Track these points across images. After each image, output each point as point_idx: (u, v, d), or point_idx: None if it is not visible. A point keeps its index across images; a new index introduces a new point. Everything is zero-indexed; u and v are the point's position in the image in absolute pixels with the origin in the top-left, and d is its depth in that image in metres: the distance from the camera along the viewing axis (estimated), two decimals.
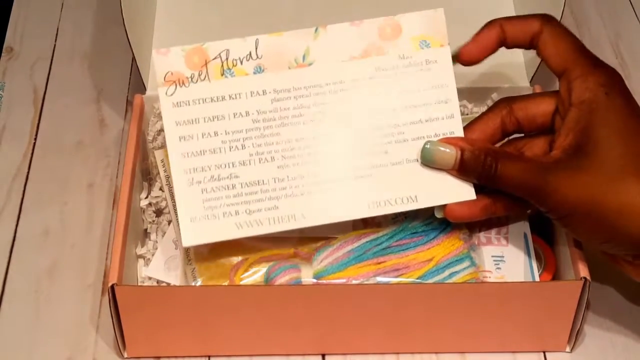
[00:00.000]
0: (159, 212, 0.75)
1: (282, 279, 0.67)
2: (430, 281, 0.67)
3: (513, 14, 0.86)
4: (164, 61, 0.67)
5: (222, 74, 0.67)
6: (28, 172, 0.82)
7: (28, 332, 0.71)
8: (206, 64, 0.67)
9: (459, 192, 0.66)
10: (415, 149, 0.67)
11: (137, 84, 0.83)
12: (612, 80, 0.64)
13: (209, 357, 0.70)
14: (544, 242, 0.73)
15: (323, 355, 0.70)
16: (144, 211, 0.75)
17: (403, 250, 0.69)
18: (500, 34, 0.66)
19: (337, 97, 0.67)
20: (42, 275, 0.75)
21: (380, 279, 0.67)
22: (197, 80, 0.67)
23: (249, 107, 0.67)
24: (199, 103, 0.67)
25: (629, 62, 0.92)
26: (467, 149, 0.65)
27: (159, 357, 0.70)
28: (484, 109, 0.81)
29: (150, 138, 0.78)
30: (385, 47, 0.68)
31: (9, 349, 0.71)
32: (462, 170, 0.65)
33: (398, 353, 0.70)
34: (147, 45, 0.83)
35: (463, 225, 0.70)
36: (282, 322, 0.67)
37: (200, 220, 0.65)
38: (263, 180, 0.66)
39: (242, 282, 0.68)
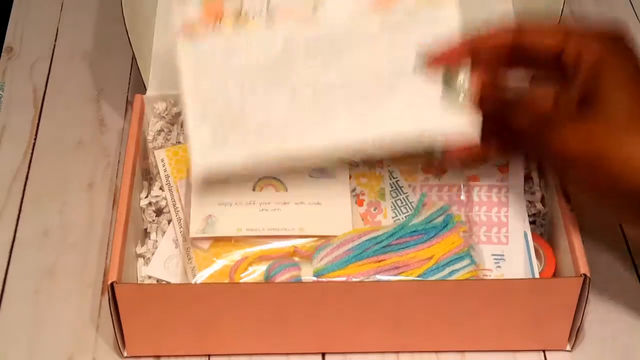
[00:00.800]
0: (159, 212, 0.75)
1: (282, 277, 0.67)
2: (430, 279, 0.67)
3: (512, 15, 0.86)
4: (182, 10, 0.70)
5: (236, 23, 0.70)
6: (28, 172, 0.82)
7: (28, 332, 0.71)
8: (222, 14, 0.70)
9: (463, 132, 0.67)
10: (421, 90, 0.68)
11: (137, 84, 0.83)
12: (615, 39, 0.64)
13: (209, 356, 0.70)
14: (544, 241, 0.73)
15: (323, 354, 0.70)
16: (144, 211, 0.75)
17: (403, 248, 0.69)
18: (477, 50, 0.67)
19: (345, 44, 0.70)
20: (42, 275, 0.75)
21: (380, 277, 0.67)
22: (212, 28, 0.70)
23: (260, 52, 0.70)
24: (213, 48, 0.70)
25: None
26: (478, 77, 0.66)
27: (158, 356, 0.70)
28: None
29: (150, 138, 0.78)
30: (392, 3, 0.70)
31: (9, 348, 0.71)
32: (480, 96, 0.66)
33: (398, 352, 0.70)
34: (147, 45, 0.83)
35: (463, 223, 0.70)
36: (282, 321, 0.67)
37: (210, 150, 0.68)
38: (272, 115, 0.68)
39: (242, 281, 0.68)
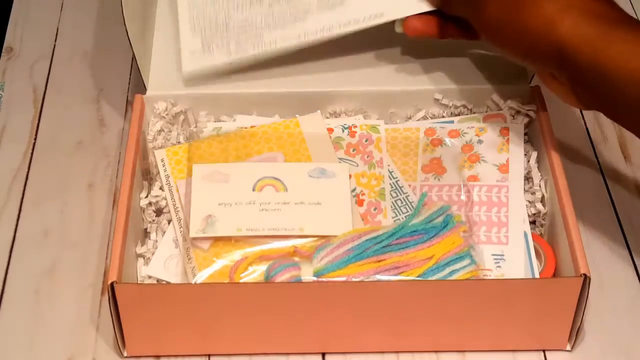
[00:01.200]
0: (158, 212, 0.75)
1: (282, 277, 0.67)
2: (430, 279, 0.67)
3: None
4: None
5: None
6: (28, 172, 0.82)
7: (28, 332, 0.71)
8: None
9: (418, 5, 0.75)
10: None
11: (137, 84, 0.83)
12: None
13: (209, 356, 0.70)
14: (544, 241, 0.73)
15: (323, 354, 0.70)
16: (144, 210, 0.75)
17: (403, 248, 0.69)
18: None
19: None
20: (42, 275, 0.75)
21: (380, 277, 0.67)
22: None
23: None
24: None
25: None
26: None
27: (158, 356, 0.70)
28: (484, 109, 0.81)
29: (150, 138, 0.78)
30: None
31: (9, 349, 0.71)
32: None
33: (398, 352, 0.70)
34: (147, 45, 0.83)
35: (464, 223, 0.70)
36: (282, 321, 0.67)
37: (198, 52, 0.79)
38: (252, 19, 0.79)
39: (242, 281, 0.68)
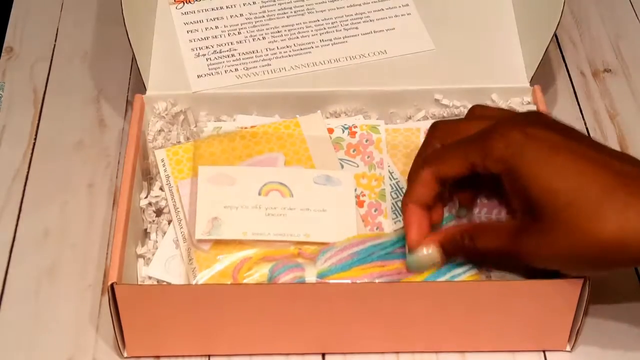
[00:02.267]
0: (159, 212, 0.75)
1: (285, 278, 0.67)
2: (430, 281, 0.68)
3: (512, 15, 0.86)
4: None
5: None
6: (28, 172, 0.82)
7: (28, 332, 0.71)
8: None
9: (419, 44, 0.83)
10: (379, 25, 0.85)
11: (137, 84, 0.83)
12: (508, 140, 0.62)
13: (209, 356, 0.70)
14: None
15: (323, 355, 0.70)
16: (144, 211, 0.75)
17: None
18: (423, 210, 0.67)
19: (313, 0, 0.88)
20: (42, 275, 0.75)
21: (382, 280, 0.67)
22: None
23: (243, 11, 0.87)
24: (202, 12, 0.86)
25: (629, 62, 0.92)
26: (445, 242, 0.66)
27: (158, 357, 0.70)
28: None
29: (150, 138, 0.78)
30: None
31: (9, 349, 0.71)
32: (448, 256, 0.67)
33: (398, 352, 0.70)
34: (147, 45, 0.83)
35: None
36: (283, 321, 0.67)
37: (206, 76, 0.81)
38: (257, 51, 0.83)
39: (244, 281, 0.68)
